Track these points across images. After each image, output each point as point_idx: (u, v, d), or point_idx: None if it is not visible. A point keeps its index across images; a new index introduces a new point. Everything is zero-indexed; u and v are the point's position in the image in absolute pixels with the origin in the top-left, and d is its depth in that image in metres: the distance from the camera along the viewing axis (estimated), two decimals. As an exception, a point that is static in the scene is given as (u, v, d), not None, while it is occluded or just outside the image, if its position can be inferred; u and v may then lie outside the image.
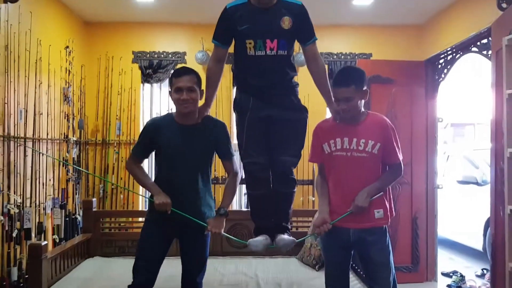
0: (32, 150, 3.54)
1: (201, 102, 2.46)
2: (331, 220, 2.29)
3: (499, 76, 2.94)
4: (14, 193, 3.27)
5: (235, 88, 2.54)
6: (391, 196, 2.41)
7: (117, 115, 4.83)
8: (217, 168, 4.44)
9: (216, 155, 2.52)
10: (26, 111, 3.49)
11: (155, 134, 2.43)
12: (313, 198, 4.56)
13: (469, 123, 12.29)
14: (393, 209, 2.41)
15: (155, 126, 2.47)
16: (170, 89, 2.42)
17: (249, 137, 2.37)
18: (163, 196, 2.35)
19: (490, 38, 3.39)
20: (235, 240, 2.74)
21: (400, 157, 2.32)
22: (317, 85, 2.42)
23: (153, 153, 2.54)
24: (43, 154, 3.69)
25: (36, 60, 3.63)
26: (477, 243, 5.25)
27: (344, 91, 2.22)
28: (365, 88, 2.27)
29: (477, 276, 4.74)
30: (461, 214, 5.77)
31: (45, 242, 2.85)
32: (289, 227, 2.49)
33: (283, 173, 2.40)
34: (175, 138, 2.41)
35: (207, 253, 2.54)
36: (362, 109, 2.35)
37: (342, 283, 2.46)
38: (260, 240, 2.36)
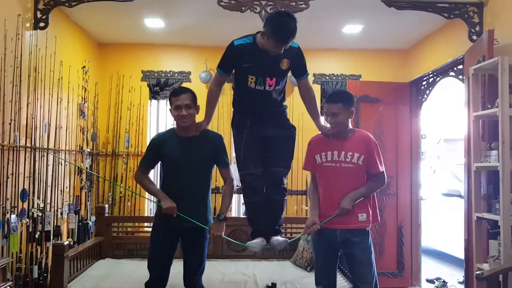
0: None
1: (198, 117, 2.81)
2: (320, 221, 2.67)
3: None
4: (38, 198, 3.62)
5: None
6: (376, 203, 2.78)
7: (126, 129, 5.19)
8: (217, 179, 4.79)
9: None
10: (49, 125, 3.86)
11: (160, 147, 2.80)
12: (306, 207, 4.90)
13: (461, 138, 12.53)
14: (378, 215, 2.78)
15: (159, 140, 2.84)
16: (170, 106, 2.76)
17: (246, 151, 2.73)
18: (169, 201, 2.68)
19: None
20: (235, 242, 3.09)
21: (381, 168, 2.69)
22: (308, 111, 2.85)
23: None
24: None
25: (59, 79, 4.01)
26: (461, 252, 5.55)
27: (333, 107, 2.63)
28: (352, 108, 2.67)
29: (459, 282, 4.97)
30: (446, 225, 6.05)
31: (67, 242, 3.21)
32: (281, 230, 2.85)
33: (277, 182, 2.78)
34: (177, 148, 2.76)
35: (205, 253, 2.84)
36: (350, 127, 2.74)
37: (329, 280, 2.80)
38: (257, 242, 2.71)
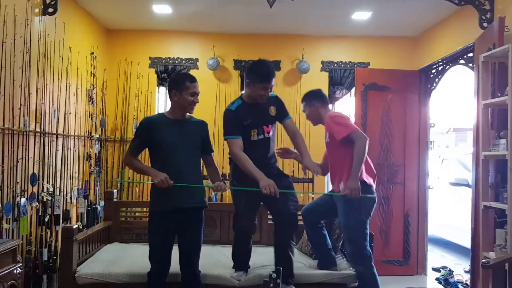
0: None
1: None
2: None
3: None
4: (47, 183, 3.67)
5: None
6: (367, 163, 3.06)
7: (134, 115, 5.22)
8: (224, 165, 4.81)
9: None
10: (58, 110, 3.89)
11: (151, 131, 2.75)
12: (313, 195, 4.90)
13: (470, 128, 12.46)
14: (373, 172, 3.12)
15: (151, 123, 2.80)
16: (179, 90, 2.72)
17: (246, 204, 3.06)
18: (160, 174, 2.64)
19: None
20: (238, 188, 3.10)
21: (344, 132, 2.92)
22: (298, 150, 3.19)
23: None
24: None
25: (67, 65, 4.03)
26: (468, 241, 5.54)
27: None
28: (314, 104, 3.18)
29: (465, 271, 5.01)
30: (453, 214, 6.06)
31: (76, 226, 3.24)
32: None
33: (289, 218, 3.11)
34: (171, 129, 2.75)
35: (202, 237, 2.88)
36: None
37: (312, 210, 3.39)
38: (239, 274, 3.14)
